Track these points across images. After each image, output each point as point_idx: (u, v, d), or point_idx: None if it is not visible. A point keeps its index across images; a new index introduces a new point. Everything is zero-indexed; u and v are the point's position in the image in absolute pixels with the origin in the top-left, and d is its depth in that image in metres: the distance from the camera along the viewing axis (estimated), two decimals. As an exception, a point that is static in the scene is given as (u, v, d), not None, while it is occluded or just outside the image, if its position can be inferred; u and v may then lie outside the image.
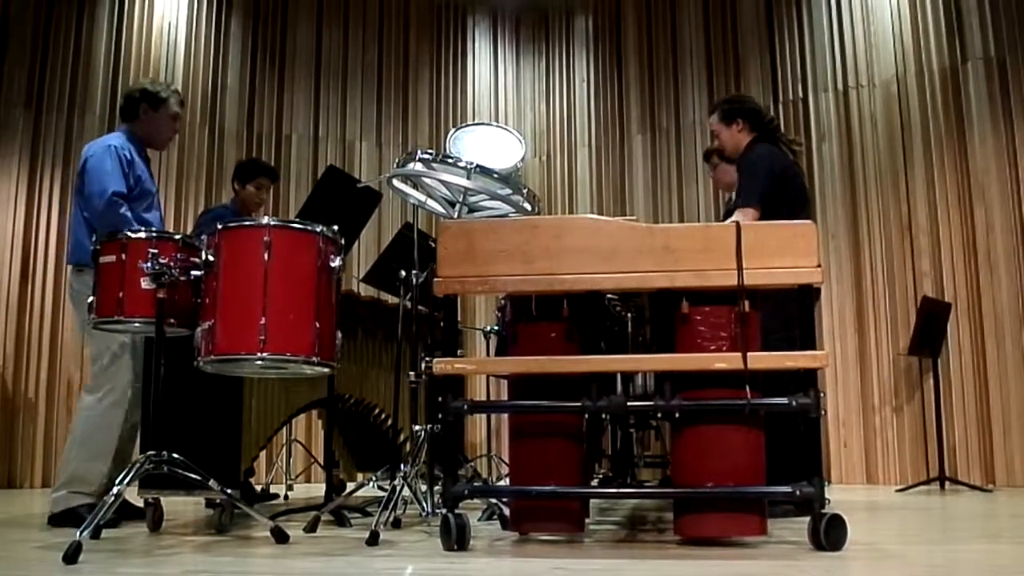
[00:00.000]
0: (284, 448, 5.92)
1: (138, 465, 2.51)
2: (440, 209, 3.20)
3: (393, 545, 2.45)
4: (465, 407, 2.46)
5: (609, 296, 3.02)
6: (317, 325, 2.55)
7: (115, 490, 2.43)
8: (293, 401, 3.50)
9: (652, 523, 3.11)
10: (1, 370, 6.19)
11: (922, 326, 5.63)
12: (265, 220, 2.58)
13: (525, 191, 3.00)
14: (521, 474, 2.49)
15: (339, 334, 2.66)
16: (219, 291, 2.52)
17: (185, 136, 6.89)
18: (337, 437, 4.32)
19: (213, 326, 2.51)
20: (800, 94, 6.82)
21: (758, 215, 3.35)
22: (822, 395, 2.38)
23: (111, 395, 3.22)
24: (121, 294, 2.63)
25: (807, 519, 2.29)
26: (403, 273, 3.26)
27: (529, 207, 3.01)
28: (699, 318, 2.37)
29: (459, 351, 4.24)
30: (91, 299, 2.70)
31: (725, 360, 2.29)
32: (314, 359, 2.55)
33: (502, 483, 4.75)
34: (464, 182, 2.85)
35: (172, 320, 2.62)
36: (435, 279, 2.43)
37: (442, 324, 2.68)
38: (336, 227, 2.66)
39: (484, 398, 6.19)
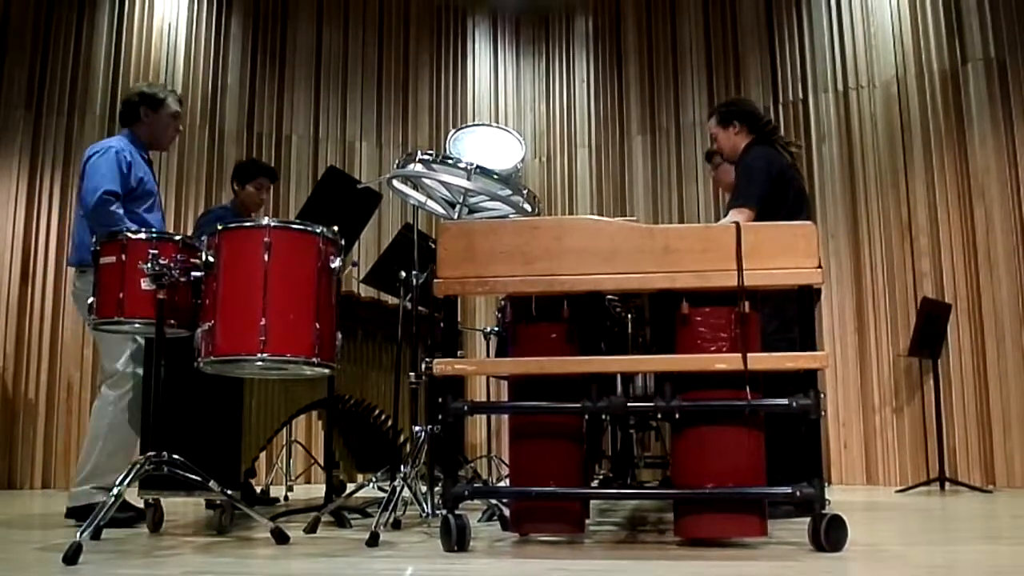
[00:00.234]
0: (284, 449, 5.92)
1: (138, 466, 2.51)
2: (440, 210, 3.21)
3: (393, 546, 2.45)
4: (465, 408, 2.46)
5: (609, 297, 3.02)
6: (317, 326, 2.55)
7: (115, 491, 2.44)
8: (293, 402, 3.50)
9: (652, 524, 3.11)
10: (1, 371, 6.19)
11: (922, 327, 5.63)
12: (265, 221, 2.58)
13: (525, 192, 3.00)
14: (521, 475, 2.49)
15: (339, 335, 2.66)
16: (219, 292, 2.52)
17: (185, 137, 6.89)
18: (337, 438, 4.32)
19: (213, 327, 2.51)
20: (800, 95, 6.82)
21: (754, 216, 3.35)
22: (822, 396, 2.38)
23: (133, 391, 3.28)
24: (121, 295, 2.63)
25: (807, 520, 2.29)
26: (403, 274, 3.26)
27: (529, 208, 3.02)
28: (699, 319, 2.37)
29: (459, 352, 4.23)
30: (91, 300, 2.70)
31: (725, 361, 2.29)
32: (314, 360, 2.55)
33: (502, 484, 4.74)
34: (464, 183, 2.85)
35: (172, 321, 2.62)
36: (435, 280, 2.43)
37: (442, 325, 2.69)
38: (336, 228, 2.66)
39: (484, 399, 6.19)
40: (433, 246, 3.00)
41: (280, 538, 2.49)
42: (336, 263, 2.63)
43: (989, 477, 5.67)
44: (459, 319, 4.74)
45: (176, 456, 2.56)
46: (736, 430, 2.31)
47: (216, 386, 3.01)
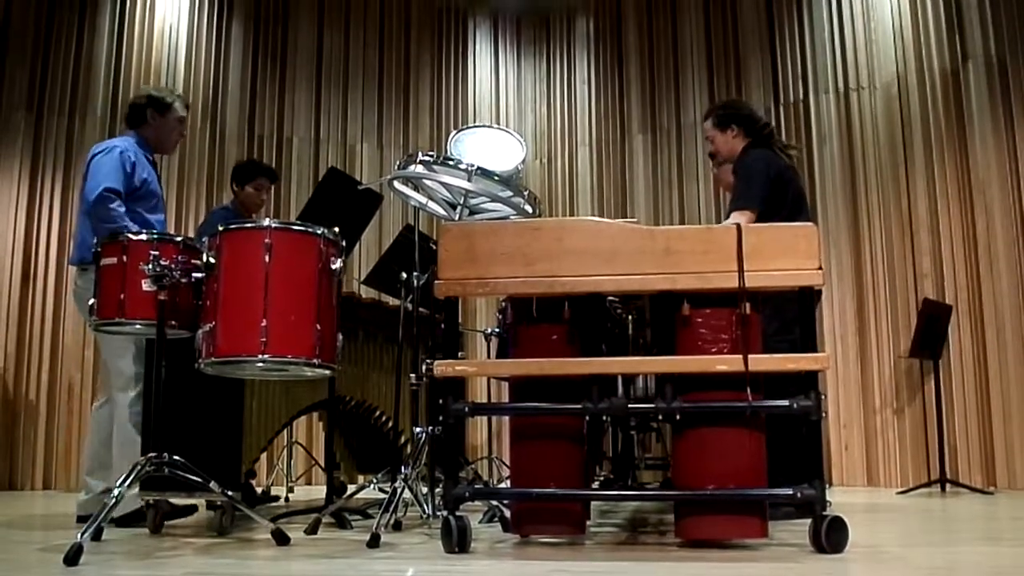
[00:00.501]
0: (285, 450, 5.92)
1: (139, 467, 2.51)
2: (441, 211, 3.21)
3: (394, 547, 2.45)
4: (466, 409, 2.46)
5: (610, 298, 3.02)
6: (318, 327, 2.55)
7: (115, 492, 2.43)
8: (294, 403, 3.50)
9: (653, 525, 3.11)
10: (2, 372, 6.19)
11: (923, 329, 5.62)
12: (266, 222, 2.59)
13: (526, 193, 3.01)
14: (522, 476, 2.49)
15: (340, 336, 2.66)
16: (220, 293, 2.53)
17: (186, 139, 6.87)
18: (338, 439, 4.32)
19: (214, 328, 2.51)
20: (801, 95, 6.82)
21: (755, 218, 3.35)
22: (823, 397, 2.38)
23: (140, 391, 3.27)
24: (122, 296, 2.63)
25: (808, 521, 2.29)
26: (404, 275, 3.26)
27: (530, 209, 3.02)
28: (700, 320, 2.37)
29: (460, 353, 4.24)
30: (92, 301, 2.70)
31: (726, 362, 2.29)
32: (315, 361, 2.55)
33: (503, 485, 4.74)
34: (465, 184, 2.85)
35: (173, 322, 2.62)
36: (436, 281, 2.44)
37: (443, 326, 2.69)
38: (337, 229, 2.66)
39: (485, 400, 6.19)
40: (434, 247, 3.00)
41: (281, 539, 2.49)
42: (337, 264, 2.63)
43: (990, 479, 5.67)
44: (460, 320, 4.74)
45: (177, 457, 2.56)
46: (737, 431, 2.31)
47: (217, 387, 3.01)
